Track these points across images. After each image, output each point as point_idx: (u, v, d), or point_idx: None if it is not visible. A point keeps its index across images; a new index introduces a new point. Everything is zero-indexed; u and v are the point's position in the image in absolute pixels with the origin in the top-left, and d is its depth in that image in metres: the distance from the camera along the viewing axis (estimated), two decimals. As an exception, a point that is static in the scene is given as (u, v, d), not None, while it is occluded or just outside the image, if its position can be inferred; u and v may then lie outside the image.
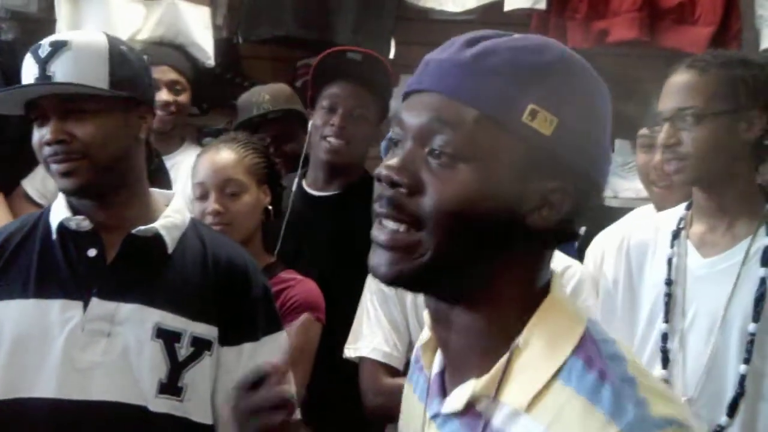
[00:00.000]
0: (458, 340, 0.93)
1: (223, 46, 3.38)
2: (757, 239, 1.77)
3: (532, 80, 0.87)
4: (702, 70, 1.77)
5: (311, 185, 2.41)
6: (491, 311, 0.91)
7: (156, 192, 1.68)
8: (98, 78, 1.51)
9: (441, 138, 0.88)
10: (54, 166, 1.52)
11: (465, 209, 0.87)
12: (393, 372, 1.95)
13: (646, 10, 3.08)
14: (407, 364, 1.98)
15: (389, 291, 1.98)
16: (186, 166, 2.55)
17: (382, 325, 1.97)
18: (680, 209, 1.91)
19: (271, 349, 1.63)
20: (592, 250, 2.27)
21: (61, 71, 1.49)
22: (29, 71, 1.51)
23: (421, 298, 1.93)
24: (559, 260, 2.01)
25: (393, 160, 0.90)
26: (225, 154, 2.07)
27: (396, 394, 1.93)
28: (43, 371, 1.50)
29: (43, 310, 1.52)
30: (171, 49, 3.08)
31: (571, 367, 0.87)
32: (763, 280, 1.73)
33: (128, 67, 1.56)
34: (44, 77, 1.49)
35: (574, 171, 0.90)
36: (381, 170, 0.90)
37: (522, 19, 3.25)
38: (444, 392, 0.97)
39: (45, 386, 1.49)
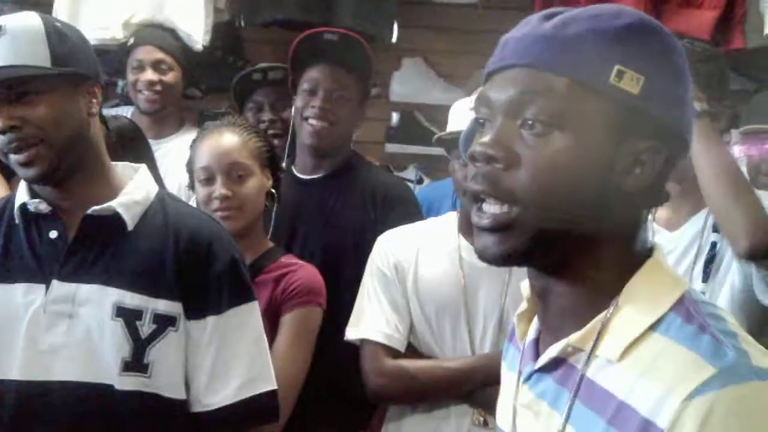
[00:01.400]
0: (558, 304, 0.95)
1: (224, 30, 3.37)
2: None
3: (615, 43, 0.89)
4: None
5: (300, 170, 2.40)
6: (592, 275, 0.93)
7: (121, 166, 1.65)
8: (39, 57, 1.49)
9: (534, 108, 0.89)
10: (13, 157, 1.50)
11: (562, 178, 0.88)
12: (394, 353, 1.95)
13: (651, -6, 3.07)
14: (409, 346, 1.98)
15: (390, 273, 1.98)
16: (185, 149, 2.54)
17: (383, 306, 1.97)
18: None
19: (238, 322, 1.61)
20: None
21: (1, 58, 1.47)
22: None
23: (421, 280, 1.94)
24: None
25: (485, 137, 0.92)
26: (229, 138, 2.04)
27: (398, 376, 1.96)
28: (8, 354, 1.51)
29: (8, 294, 1.53)
30: (158, 29, 3.09)
31: (669, 321, 0.88)
32: (713, 244, 1.86)
33: (68, 43, 1.54)
34: None
35: (663, 128, 0.91)
36: (475, 148, 0.91)
37: (526, 3, 3.23)
38: (537, 356, 0.99)
39: (11, 368, 1.50)
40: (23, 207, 1.56)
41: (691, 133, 0.96)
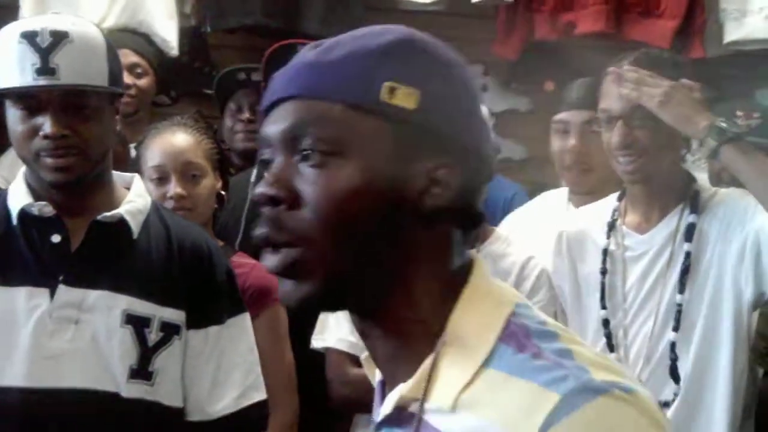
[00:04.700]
0: (383, 348, 0.88)
1: (191, 35, 3.36)
2: (683, 218, 1.87)
3: (382, 60, 0.85)
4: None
5: None
6: (409, 316, 0.85)
7: (115, 175, 1.67)
8: (100, 74, 1.52)
9: (309, 138, 0.83)
10: (49, 160, 1.50)
11: (347, 208, 0.82)
12: (359, 362, 1.97)
13: (612, 3, 3.10)
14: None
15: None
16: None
17: (348, 315, 1.98)
18: (612, 200, 1.99)
19: (236, 332, 1.65)
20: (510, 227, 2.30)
21: (66, 65, 1.48)
22: (26, 59, 1.48)
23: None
24: (521, 251, 2.03)
25: (266, 179, 0.86)
26: (183, 137, 2.03)
27: (363, 385, 1.97)
28: (11, 360, 1.49)
29: (8, 298, 1.51)
30: (132, 33, 3.06)
31: (500, 353, 0.82)
32: (688, 254, 1.84)
33: (118, 61, 1.58)
34: (47, 69, 1.47)
35: (453, 143, 0.86)
36: (256, 192, 0.85)
37: (489, 11, 3.26)
38: (383, 400, 0.92)
39: (14, 375, 1.49)
40: (23, 209, 1.54)
41: (490, 148, 0.91)
